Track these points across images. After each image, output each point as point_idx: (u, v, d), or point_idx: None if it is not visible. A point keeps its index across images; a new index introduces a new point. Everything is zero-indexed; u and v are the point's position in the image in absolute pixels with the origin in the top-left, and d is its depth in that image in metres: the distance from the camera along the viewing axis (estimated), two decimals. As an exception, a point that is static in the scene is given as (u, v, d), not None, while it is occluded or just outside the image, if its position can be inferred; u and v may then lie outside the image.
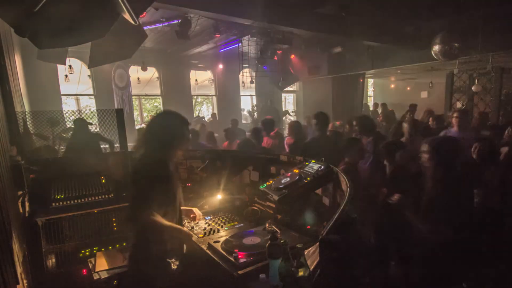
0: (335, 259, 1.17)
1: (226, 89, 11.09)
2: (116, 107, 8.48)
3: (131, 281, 1.78)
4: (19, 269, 1.99)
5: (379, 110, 10.49)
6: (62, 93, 8.24)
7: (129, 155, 2.92)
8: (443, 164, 2.28)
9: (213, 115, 10.97)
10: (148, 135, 1.80)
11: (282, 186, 2.00)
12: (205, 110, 14.62)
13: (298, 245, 1.29)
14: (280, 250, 1.37)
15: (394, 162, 2.95)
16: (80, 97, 9.41)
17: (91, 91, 8.92)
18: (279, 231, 1.89)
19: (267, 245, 1.40)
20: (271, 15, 5.46)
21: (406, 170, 2.78)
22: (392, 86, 14.39)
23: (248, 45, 8.92)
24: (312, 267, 1.29)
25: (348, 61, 9.46)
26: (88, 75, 8.69)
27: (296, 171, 2.13)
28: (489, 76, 7.28)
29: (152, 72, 9.93)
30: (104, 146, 5.24)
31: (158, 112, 2.23)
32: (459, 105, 8.03)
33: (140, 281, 1.72)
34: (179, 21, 6.13)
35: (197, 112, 12.57)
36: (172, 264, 1.78)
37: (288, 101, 13.85)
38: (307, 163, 2.17)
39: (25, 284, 2.18)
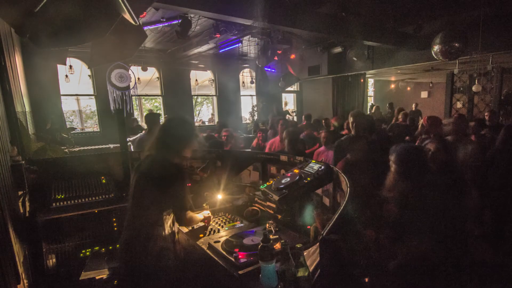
0: (335, 259, 1.16)
1: (226, 89, 11.09)
2: (112, 107, 8.52)
3: (130, 277, 1.77)
4: (19, 269, 1.99)
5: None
6: (62, 93, 8.23)
7: (130, 155, 2.93)
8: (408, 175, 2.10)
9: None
10: (162, 140, 1.91)
11: (282, 186, 2.00)
12: (205, 110, 14.62)
13: (298, 245, 1.28)
14: (272, 253, 1.29)
15: None
16: (80, 97, 9.40)
17: (91, 91, 8.93)
18: (273, 231, 1.89)
19: (259, 247, 1.32)
20: (271, 15, 5.46)
21: None
22: (392, 86, 14.37)
23: (248, 45, 8.92)
24: (312, 267, 1.29)
25: (348, 61, 9.46)
26: (88, 75, 8.70)
27: (296, 171, 2.13)
28: (489, 76, 7.28)
29: (152, 72, 9.94)
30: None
31: (172, 117, 2.36)
32: (459, 105, 8.04)
33: (139, 275, 1.71)
34: (179, 21, 6.13)
35: (197, 112, 12.55)
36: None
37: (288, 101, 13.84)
38: (307, 163, 2.17)
39: (26, 284, 2.18)
